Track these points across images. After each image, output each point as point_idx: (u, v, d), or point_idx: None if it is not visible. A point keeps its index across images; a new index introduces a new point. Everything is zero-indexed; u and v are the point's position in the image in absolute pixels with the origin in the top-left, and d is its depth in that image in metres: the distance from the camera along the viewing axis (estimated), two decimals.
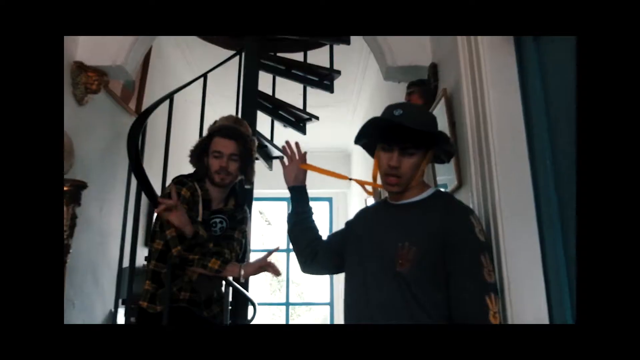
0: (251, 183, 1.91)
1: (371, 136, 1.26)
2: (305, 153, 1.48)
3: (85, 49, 2.24)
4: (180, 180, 1.70)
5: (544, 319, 1.19)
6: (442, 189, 1.59)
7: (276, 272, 1.66)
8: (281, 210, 6.40)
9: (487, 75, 1.40)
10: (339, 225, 2.06)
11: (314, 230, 1.44)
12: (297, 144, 1.49)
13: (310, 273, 1.48)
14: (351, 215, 3.14)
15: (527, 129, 1.33)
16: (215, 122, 1.85)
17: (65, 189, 1.97)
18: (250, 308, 2.18)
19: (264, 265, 1.65)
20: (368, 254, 1.20)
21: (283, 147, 1.52)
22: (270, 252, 1.68)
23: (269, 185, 3.73)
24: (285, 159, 1.49)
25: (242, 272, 1.62)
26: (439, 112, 1.79)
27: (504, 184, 1.30)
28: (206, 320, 1.72)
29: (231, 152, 1.70)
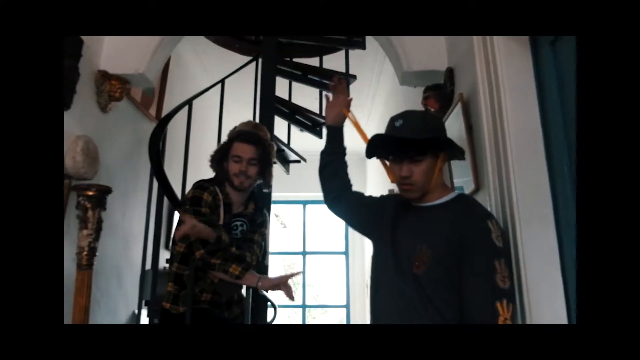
0: (270, 187, 1.95)
1: (379, 149, 1.28)
2: (351, 99, 1.51)
3: (109, 58, 2.31)
4: (201, 184, 1.74)
5: (562, 322, 1.19)
6: (465, 193, 1.59)
7: (290, 296, 1.68)
8: (297, 214, 6.44)
9: (504, 79, 1.41)
10: (351, 229, 2.07)
11: (346, 171, 1.50)
12: (345, 83, 1.51)
13: (333, 211, 1.50)
14: None
15: (544, 132, 1.34)
16: (235, 127, 1.90)
17: (90, 193, 2.04)
18: (270, 310, 2.22)
19: (281, 285, 1.68)
20: (386, 253, 1.22)
21: (331, 82, 1.56)
22: (291, 275, 1.72)
23: (285, 188, 3.76)
24: (330, 95, 1.51)
25: (260, 284, 1.66)
26: (456, 116, 1.79)
27: (521, 187, 1.31)
28: (227, 321, 1.76)
29: (250, 156, 1.74)
